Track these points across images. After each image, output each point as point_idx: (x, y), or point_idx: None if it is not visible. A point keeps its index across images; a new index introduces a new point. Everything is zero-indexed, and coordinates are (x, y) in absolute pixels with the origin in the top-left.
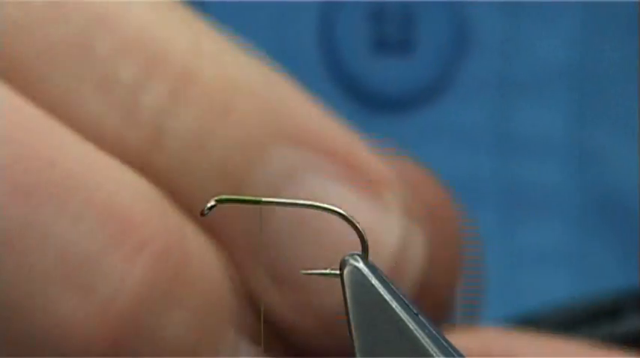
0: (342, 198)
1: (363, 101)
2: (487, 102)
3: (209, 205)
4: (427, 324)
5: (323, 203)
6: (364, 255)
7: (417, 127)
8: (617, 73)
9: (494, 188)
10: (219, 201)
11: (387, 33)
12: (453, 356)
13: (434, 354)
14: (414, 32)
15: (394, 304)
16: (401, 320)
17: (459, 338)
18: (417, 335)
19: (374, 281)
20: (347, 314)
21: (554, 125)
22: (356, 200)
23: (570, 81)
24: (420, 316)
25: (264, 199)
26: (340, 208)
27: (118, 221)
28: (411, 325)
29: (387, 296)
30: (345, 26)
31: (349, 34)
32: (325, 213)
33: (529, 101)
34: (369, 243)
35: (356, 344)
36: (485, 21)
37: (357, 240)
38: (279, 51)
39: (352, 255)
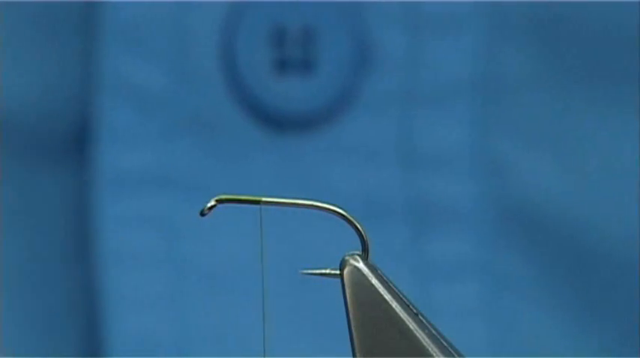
0: None
1: (266, 122)
2: (391, 118)
3: (209, 205)
4: (427, 324)
5: (323, 203)
6: (364, 255)
7: (323, 146)
8: (520, 83)
9: (402, 203)
10: (219, 201)
11: (287, 53)
12: (453, 356)
13: (434, 354)
14: (314, 51)
15: (394, 304)
16: (401, 320)
17: None
18: (417, 335)
19: (374, 281)
20: (347, 314)
21: (460, 138)
22: None
23: (474, 93)
24: (419, 316)
25: (263, 199)
26: (340, 208)
27: None
28: (411, 325)
29: (387, 296)
30: (246, 47)
31: (250, 55)
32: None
33: (433, 115)
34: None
35: (356, 344)
36: (386, 37)
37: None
38: (181, 72)
39: (352, 255)
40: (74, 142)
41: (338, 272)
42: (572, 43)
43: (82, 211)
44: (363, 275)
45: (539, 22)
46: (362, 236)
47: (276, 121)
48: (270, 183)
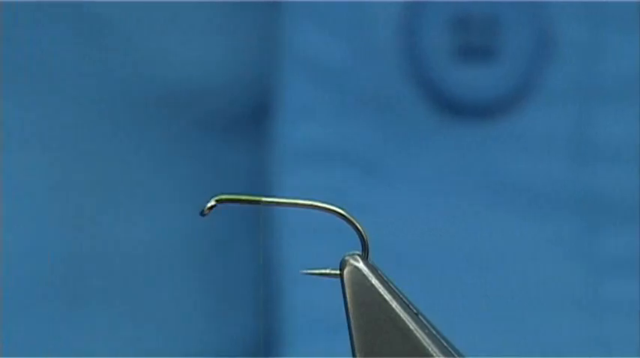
0: None
1: (445, 109)
2: (570, 109)
3: (209, 205)
4: (427, 324)
5: (323, 203)
6: (364, 254)
7: (500, 135)
8: None
9: (576, 195)
10: (219, 201)
11: (469, 40)
12: (453, 356)
13: (434, 354)
14: (497, 39)
15: (394, 304)
16: (401, 320)
17: None
18: (417, 335)
19: (374, 281)
20: (347, 314)
21: (636, 132)
22: None
23: None
24: (419, 316)
25: (263, 199)
26: (341, 208)
27: None
28: (411, 325)
29: (387, 296)
30: (427, 33)
31: (431, 40)
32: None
33: (611, 109)
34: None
35: (356, 344)
36: (568, 28)
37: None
38: (361, 57)
39: (352, 255)
40: (254, 115)
41: (338, 272)
42: None
43: (260, 183)
44: (363, 275)
45: None
46: (362, 236)
47: (453, 108)
48: (441, 169)
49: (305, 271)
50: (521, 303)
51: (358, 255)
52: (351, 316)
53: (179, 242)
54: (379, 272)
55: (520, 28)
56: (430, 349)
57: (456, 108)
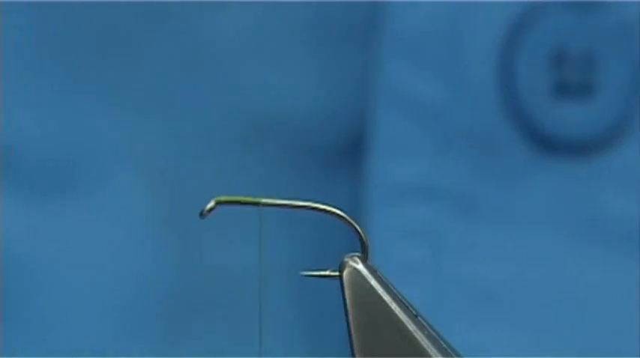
0: None
1: (542, 146)
2: None
3: (208, 207)
4: (426, 325)
5: (322, 204)
6: (364, 256)
7: (597, 172)
8: None
9: None
10: (218, 203)
11: (567, 76)
12: (452, 357)
13: (433, 355)
14: (595, 76)
15: (393, 305)
16: (400, 321)
17: None
18: (417, 336)
19: (373, 282)
20: (346, 315)
21: None
22: None
23: None
24: (419, 317)
25: (263, 200)
26: (339, 209)
27: None
28: (411, 326)
29: (387, 298)
30: (524, 69)
31: (528, 76)
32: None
33: None
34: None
35: (355, 345)
36: None
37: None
38: (457, 93)
39: (352, 257)
40: (348, 151)
41: (337, 273)
42: None
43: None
44: (363, 276)
45: None
46: (361, 238)
47: (550, 145)
48: (537, 207)
49: (304, 273)
50: (616, 342)
51: (358, 256)
52: (350, 317)
53: (279, 269)
54: (378, 273)
55: (617, 64)
56: (429, 350)
57: (552, 146)
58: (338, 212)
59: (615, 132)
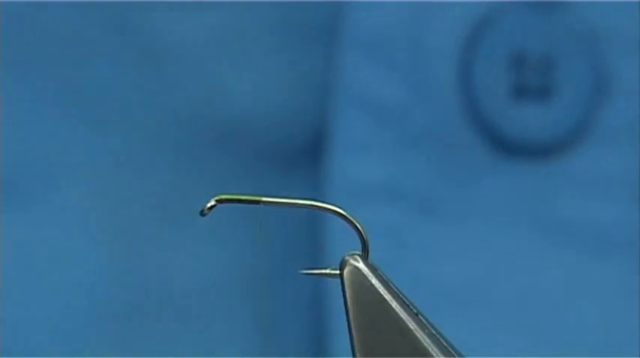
0: None
1: (501, 148)
2: (628, 149)
3: (209, 205)
4: (427, 324)
5: (323, 203)
6: (364, 254)
7: (556, 174)
8: None
9: (633, 237)
10: (218, 201)
11: (527, 78)
12: (453, 356)
13: (434, 354)
14: (553, 78)
15: (394, 304)
16: (401, 320)
17: None
18: (417, 335)
19: (374, 281)
20: (347, 314)
21: None
22: None
23: None
24: (419, 316)
25: (263, 199)
26: (340, 208)
27: None
28: (411, 325)
29: (387, 296)
30: (486, 71)
31: (489, 79)
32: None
33: None
34: None
35: (356, 343)
36: (625, 67)
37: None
38: (417, 94)
39: (352, 255)
40: (309, 151)
41: (338, 272)
42: None
43: (315, 218)
44: (363, 275)
45: None
46: (362, 236)
47: (509, 147)
48: (496, 208)
49: (305, 271)
50: (572, 339)
51: (358, 255)
52: (350, 316)
53: (234, 275)
54: (379, 272)
55: (576, 66)
56: (430, 349)
57: (512, 148)
58: (338, 210)
59: (574, 134)
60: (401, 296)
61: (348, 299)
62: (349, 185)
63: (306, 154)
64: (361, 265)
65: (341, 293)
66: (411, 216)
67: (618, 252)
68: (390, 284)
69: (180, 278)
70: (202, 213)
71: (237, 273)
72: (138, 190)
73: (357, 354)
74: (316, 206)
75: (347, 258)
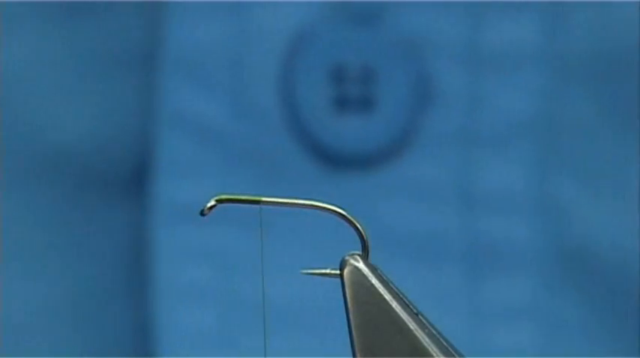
0: None
1: (324, 159)
2: (450, 158)
3: (209, 205)
4: (427, 324)
5: (323, 203)
6: (364, 254)
7: (381, 185)
8: (580, 124)
9: (459, 244)
10: (219, 201)
11: (346, 91)
12: (454, 356)
13: (434, 354)
14: (374, 90)
15: (394, 304)
16: (401, 319)
17: None
18: (417, 335)
19: (374, 281)
20: (347, 314)
21: (519, 179)
22: None
23: (534, 134)
24: (419, 316)
25: (264, 199)
26: (340, 208)
27: None
28: (411, 325)
29: (387, 296)
30: (305, 83)
31: (309, 91)
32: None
33: (493, 155)
34: None
35: (356, 343)
36: (446, 76)
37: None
38: (240, 106)
39: (352, 255)
40: (132, 175)
41: (338, 272)
42: (634, 85)
43: (138, 243)
44: (363, 275)
45: (600, 62)
46: (362, 236)
47: (333, 159)
48: (323, 221)
49: (305, 271)
50: None
51: (358, 255)
52: (351, 316)
53: (61, 301)
54: (379, 272)
55: (397, 76)
56: (430, 349)
57: (336, 160)
58: (339, 210)
59: (397, 143)
60: (401, 296)
61: (348, 299)
62: (173, 207)
63: (131, 178)
64: (361, 265)
65: (341, 293)
66: (236, 236)
67: (444, 258)
68: (390, 284)
69: (9, 305)
70: (202, 213)
71: (63, 301)
72: None
73: (357, 354)
74: (316, 206)
75: (347, 258)
